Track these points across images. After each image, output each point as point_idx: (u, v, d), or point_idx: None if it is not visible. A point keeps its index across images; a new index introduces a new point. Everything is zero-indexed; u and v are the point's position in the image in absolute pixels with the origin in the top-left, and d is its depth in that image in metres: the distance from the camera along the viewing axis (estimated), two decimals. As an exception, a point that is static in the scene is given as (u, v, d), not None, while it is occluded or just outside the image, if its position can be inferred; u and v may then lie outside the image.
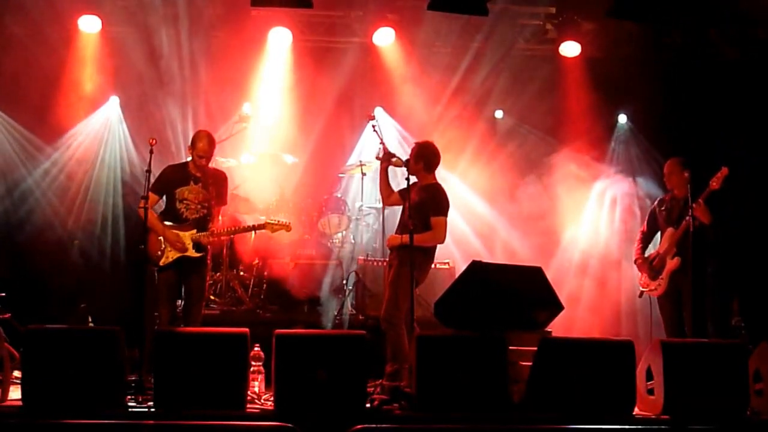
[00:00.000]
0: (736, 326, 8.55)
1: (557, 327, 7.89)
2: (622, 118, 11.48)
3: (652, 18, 10.07)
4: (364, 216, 10.48)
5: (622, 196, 10.72)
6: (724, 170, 7.64)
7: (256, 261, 9.82)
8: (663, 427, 6.24)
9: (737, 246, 8.98)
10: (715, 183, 7.65)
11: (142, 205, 6.99)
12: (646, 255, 8.31)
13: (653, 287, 8.11)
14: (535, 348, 6.50)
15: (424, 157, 7.56)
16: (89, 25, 10.11)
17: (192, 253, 7.42)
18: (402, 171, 7.58)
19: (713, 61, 10.46)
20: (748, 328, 8.56)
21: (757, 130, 10.13)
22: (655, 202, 8.51)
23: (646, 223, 8.51)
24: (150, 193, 7.19)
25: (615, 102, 11.23)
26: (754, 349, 6.81)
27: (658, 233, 8.30)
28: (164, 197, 7.53)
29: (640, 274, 8.34)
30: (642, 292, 8.31)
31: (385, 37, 10.61)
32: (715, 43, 10.53)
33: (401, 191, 7.70)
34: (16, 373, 6.46)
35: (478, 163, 10.91)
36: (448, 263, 9.51)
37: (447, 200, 7.58)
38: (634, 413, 6.41)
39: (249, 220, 9.23)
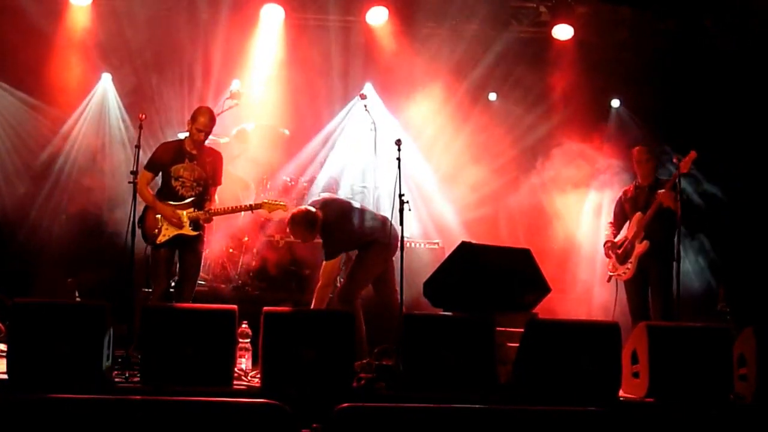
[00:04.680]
0: (722, 312, 8.60)
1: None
2: (615, 103, 11.46)
3: (647, 3, 10.05)
4: (355, 195, 10.46)
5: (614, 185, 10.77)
6: (693, 153, 7.64)
7: (246, 238, 9.80)
8: (647, 409, 6.29)
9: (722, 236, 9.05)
10: (683, 166, 7.65)
11: (131, 180, 6.96)
12: (615, 240, 8.33)
13: (621, 271, 8.13)
14: (523, 329, 6.53)
15: (302, 232, 7.66)
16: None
17: (188, 231, 7.40)
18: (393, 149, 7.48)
19: (707, 49, 10.44)
20: (733, 313, 8.61)
21: (749, 119, 10.14)
22: (620, 194, 8.53)
23: (613, 214, 8.53)
24: (144, 171, 7.17)
25: (607, 86, 11.21)
26: (739, 334, 6.84)
27: (626, 222, 8.30)
28: (160, 175, 7.49)
29: (608, 259, 8.35)
30: (610, 277, 8.33)
31: (378, 17, 10.55)
32: (709, 32, 10.51)
33: None
34: (2, 347, 6.45)
35: (470, 144, 10.90)
36: (437, 243, 9.52)
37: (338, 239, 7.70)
38: (619, 396, 6.45)
39: (240, 198, 9.20)
